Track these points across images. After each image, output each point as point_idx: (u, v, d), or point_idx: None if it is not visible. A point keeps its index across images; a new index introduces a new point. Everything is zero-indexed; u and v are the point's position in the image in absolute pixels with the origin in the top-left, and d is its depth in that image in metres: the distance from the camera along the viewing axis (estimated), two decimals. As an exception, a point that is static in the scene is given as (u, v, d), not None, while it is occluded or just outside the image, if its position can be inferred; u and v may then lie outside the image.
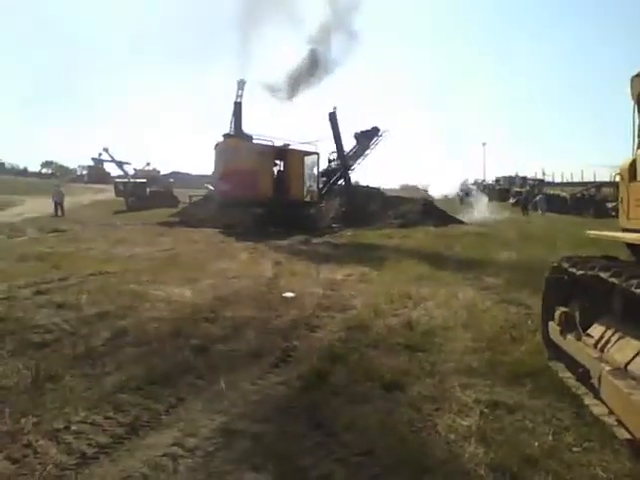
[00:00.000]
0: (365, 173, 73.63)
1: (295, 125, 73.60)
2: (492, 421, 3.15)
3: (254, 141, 19.92)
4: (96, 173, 61.17)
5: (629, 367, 2.85)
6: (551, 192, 34.64)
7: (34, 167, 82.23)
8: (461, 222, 21.95)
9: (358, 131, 22.69)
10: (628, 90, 3.66)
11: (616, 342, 3.12)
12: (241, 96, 21.46)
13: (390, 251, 12.36)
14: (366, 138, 22.49)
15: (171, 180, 45.42)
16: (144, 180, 36.93)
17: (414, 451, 2.79)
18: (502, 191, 40.59)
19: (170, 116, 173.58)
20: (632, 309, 3.00)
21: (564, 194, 33.60)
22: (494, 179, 48.54)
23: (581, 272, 3.51)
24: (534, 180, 41.69)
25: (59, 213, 24.34)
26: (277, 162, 20.64)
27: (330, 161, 22.86)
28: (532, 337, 4.75)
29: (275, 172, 20.58)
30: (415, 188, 44.55)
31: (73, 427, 3.01)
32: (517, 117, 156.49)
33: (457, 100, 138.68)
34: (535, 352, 4.32)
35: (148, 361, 4.17)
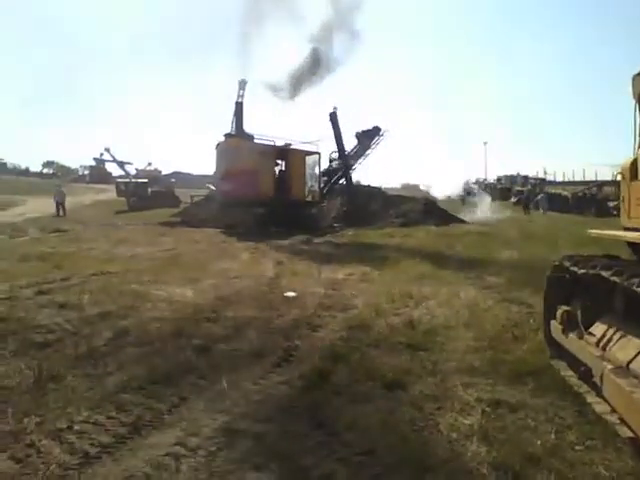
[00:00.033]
0: (366, 172, 73.75)
1: (296, 125, 73.59)
2: (494, 420, 3.14)
3: (255, 141, 19.91)
4: (98, 173, 61.26)
5: (631, 365, 2.85)
6: (553, 191, 34.63)
7: (36, 167, 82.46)
8: (462, 221, 21.94)
9: (359, 131, 22.76)
10: (629, 89, 3.65)
11: (618, 341, 3.12)
12: (242, 96, 21.47)
13: (391, 250, 12.37)
14: (367, 138, 22.54)
15: (173, 180, 45.47)
16: (146, 180, 36.99)
17: (416, 450, 2.79)
18: (504, 190, 40.56)
19: (171, 116, 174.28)
20: (634, 308, 2.99)
21: (566, 193, 33.58)
22: (495, 178, 48.54)
23: (583, 271, 3.51)
24: (536, 179, 41.64)
25: (61, 213, 24.38)
26: (278, 162, 20.64)
27: (331, 160, 22.90)
28: (534, 336, 4.75)
29: (276, 172, 20.58)
30: (416, 187, 44.45)
31: (76, 427, 3.01)
32: (518, 117, 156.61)
33: (459, 100, 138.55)
34: (537, 351, 4.32)
35: (150, 361, 4.18)
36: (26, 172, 73.88)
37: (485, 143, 61.46)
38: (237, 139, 20.13)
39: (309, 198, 21.85)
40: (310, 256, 11.70)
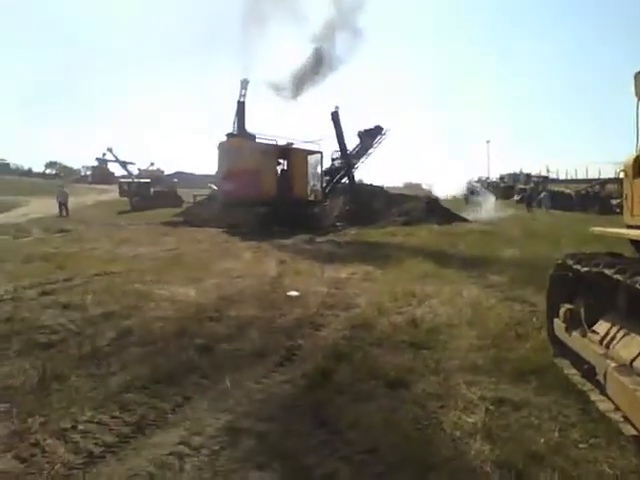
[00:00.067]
0: (368, 171, 73.80)
1: (298, 124, 73.55)
2: (498, 418, 3.14)
3: (257, 140, 19.90)
4: (100, 173, 61.27)
5: (634, 363, 2.84)
6: (555, 189, 34.48)
7: (38, 168, 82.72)
8: (465, 220, 21.90)
9: (361, 130, 22.74)
10: (632, 89, 3.62)
11: (621, 339, 3.11)
12: (244, 95, 21.44)
13: (394, 249, 12.36)
14: (369, 137, 22.53)
15: (175, 180, 45.57)
16: (148, 180, 37.08)
17: (419, 449, 2.79)
18: (506, 188, 40.46)
19: (171, 116, 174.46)
20: (637, 305, 2.99)
21: (568, 191, 33.47)
22: (498, 176, 48.41)
23: (586, 269, 3.50)
24: (538, 177, 41.50)
25: (63, 213, 24.50)
26: (281, 161, 20.65)
27: (333, 160, 22.90)
28: (537, 334, 4.74)
29: (279, 171, 20.60)
30: (419, 186, 44.36)
31: (80, 426, 3.03)
32: (519, 117, 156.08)
33: (459, 100, 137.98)
34: (540, 349, 4.31)
35: (153, 360, 4.19)
36: (29, 173, 74.13)
37: (488, 142, 61.40)
38: (239, 139, 20.12)
39: (311, 197, 21.86)
40: (313, 255, 11.70)
